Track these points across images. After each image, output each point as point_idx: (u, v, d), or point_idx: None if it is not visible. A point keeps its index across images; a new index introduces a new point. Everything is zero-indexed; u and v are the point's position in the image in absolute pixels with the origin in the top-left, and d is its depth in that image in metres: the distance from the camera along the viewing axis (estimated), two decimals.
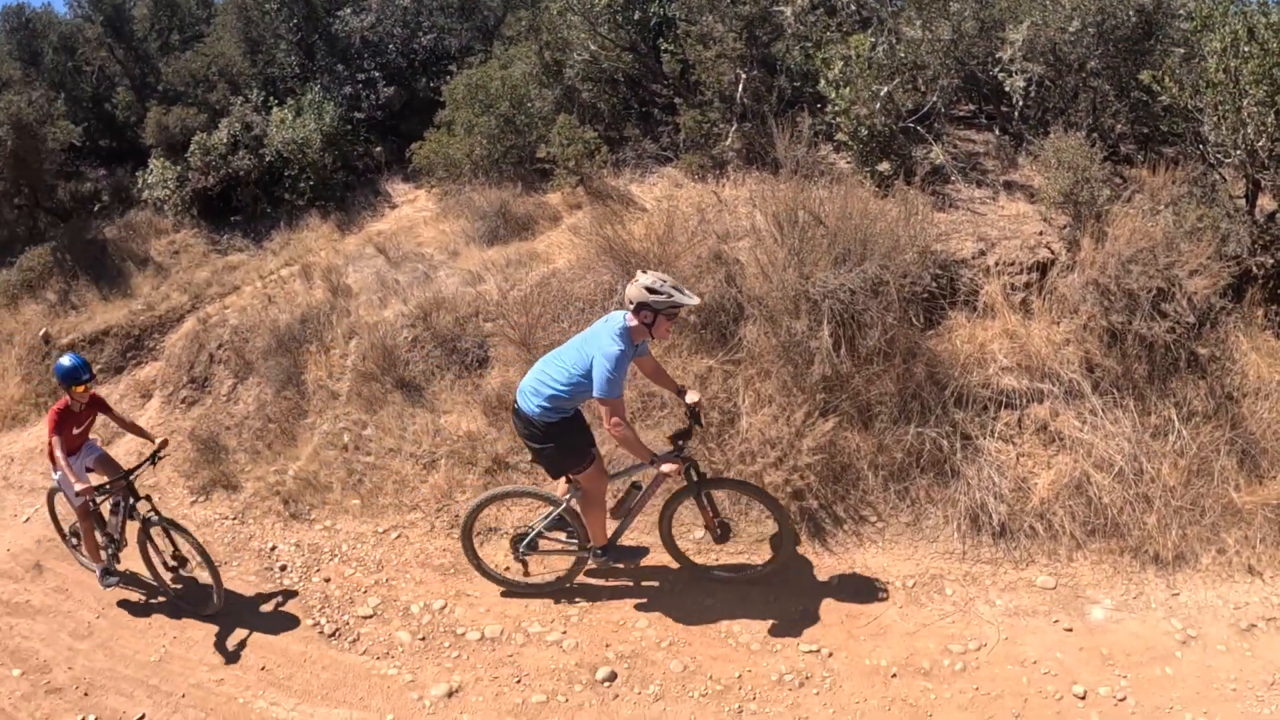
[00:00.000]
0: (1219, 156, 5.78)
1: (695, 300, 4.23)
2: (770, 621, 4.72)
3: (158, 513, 5.07)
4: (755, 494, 4.92)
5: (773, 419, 5.37)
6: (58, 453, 4.91)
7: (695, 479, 4.59)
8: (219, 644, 5.01)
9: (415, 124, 8.60)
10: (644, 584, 5.09)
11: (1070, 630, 4.58)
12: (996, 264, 5.27)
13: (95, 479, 5.15)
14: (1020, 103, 6.03)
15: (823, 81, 6.14)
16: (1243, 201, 5.74)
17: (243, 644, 4.99)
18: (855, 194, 5.61)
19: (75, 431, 5.16)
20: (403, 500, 5.88)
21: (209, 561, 5.03)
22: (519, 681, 4.57)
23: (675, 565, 5.01)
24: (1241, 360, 5.36)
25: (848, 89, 5.97)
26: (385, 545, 5.68)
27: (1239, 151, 5.61)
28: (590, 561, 4.90)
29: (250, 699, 4.65)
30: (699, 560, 5.05)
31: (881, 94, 5.91)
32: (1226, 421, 5.21)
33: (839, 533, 5.22)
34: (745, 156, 6.60)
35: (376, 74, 9.06)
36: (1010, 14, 6.33)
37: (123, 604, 5.42)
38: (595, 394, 4.13)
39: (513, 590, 5.08)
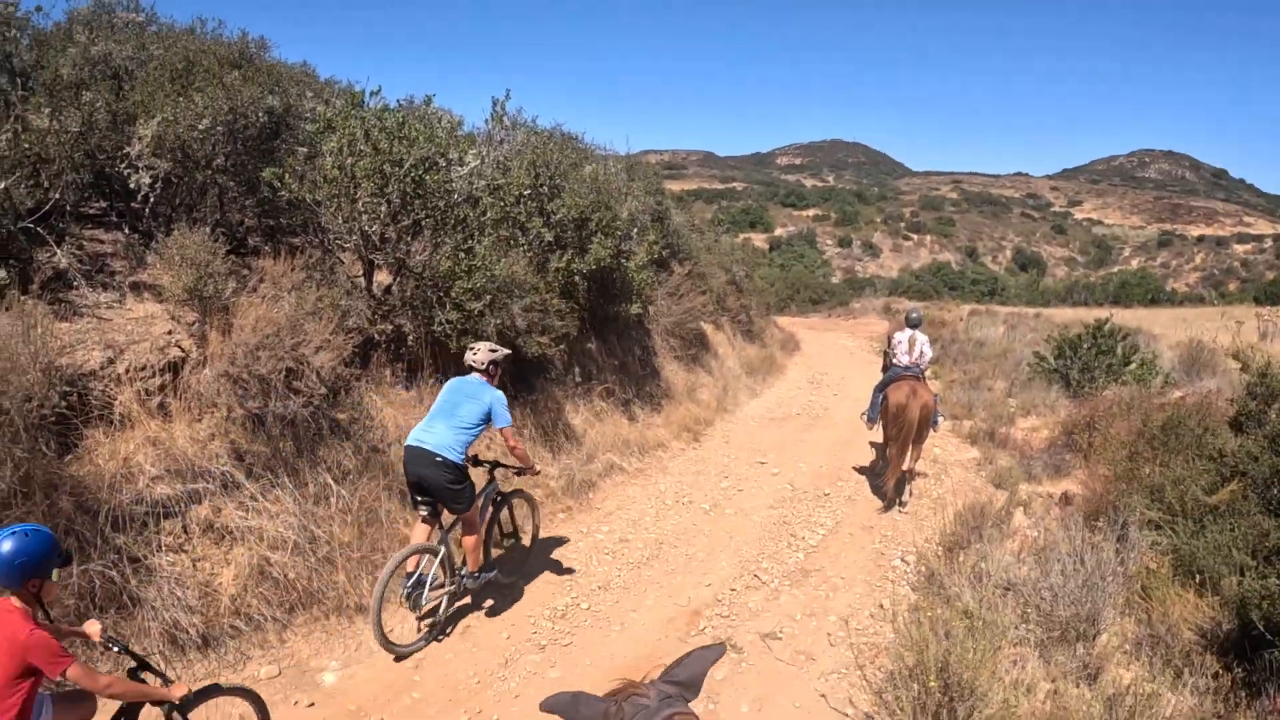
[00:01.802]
0: (338, 243, 6.80)
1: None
2: None
3: None
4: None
5: None
6: None
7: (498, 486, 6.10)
8: None
9: None
10: None
11: (313, 705, 4.68)
12: (128, 370, 5.19)
13: None
14: (151, 199, 6.12)
15: None
16: (361, 279, 6.87)
17: None
18: None
19: None
20: None
21: None
22: None
23: None
24: (379, 415, 6.42)
25: None
26: None
27: (355, 237, 6.72)
28: (465, 585, 5.68)
29: None
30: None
31: None
32: (380, 471, 6.19)
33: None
34: None
35: None
36: (143, 108, 6.35)
37: None
38: (503, 425, 5.38)
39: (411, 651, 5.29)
